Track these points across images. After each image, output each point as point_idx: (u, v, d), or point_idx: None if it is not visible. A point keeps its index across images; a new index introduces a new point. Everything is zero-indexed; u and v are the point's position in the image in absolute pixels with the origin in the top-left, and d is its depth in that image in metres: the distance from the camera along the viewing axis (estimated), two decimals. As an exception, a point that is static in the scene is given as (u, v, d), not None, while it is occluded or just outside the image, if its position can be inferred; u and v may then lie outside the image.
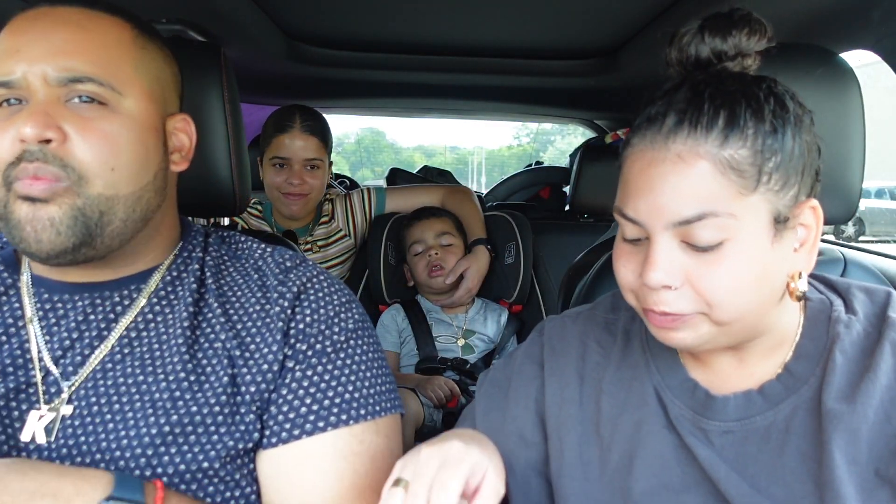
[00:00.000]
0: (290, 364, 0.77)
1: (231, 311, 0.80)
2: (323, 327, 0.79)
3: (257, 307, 0.80)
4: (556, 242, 2.16)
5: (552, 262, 2.08)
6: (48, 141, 0.69)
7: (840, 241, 1.80)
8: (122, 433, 0.71)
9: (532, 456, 0.78)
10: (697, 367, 0.73)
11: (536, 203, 3.09)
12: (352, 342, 0.81)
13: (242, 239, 0.90)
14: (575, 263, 1.42)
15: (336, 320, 0.81)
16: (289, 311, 0.79)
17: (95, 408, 0.73)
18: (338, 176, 3.64)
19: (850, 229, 12.31)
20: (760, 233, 0.62)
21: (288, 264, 0.84)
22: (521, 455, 0.78)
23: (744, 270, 0.62)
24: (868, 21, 1.17)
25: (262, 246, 0.88)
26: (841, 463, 0.62)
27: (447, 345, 1.91)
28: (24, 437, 0.71)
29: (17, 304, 0.77)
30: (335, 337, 0.79)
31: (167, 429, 0.71)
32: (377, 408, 0.79)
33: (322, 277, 0.84)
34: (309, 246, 1.95)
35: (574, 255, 1.47)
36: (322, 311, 0.80)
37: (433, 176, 3.52)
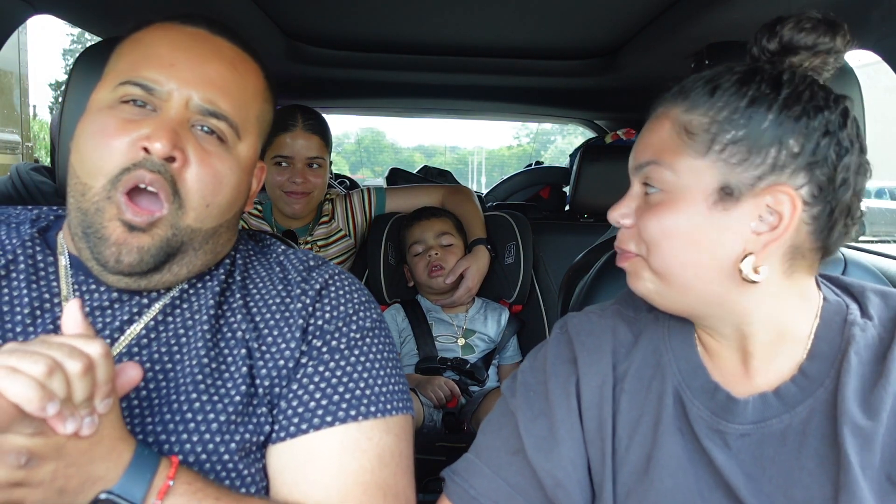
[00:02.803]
0: (304, 360, 0.78)
1: (251, 304, 0.81)
2: (340, 324, 0.80)
3: (277, 300, 0.81)
4: (556, 242, 2.15)
5: (552, 262, 2.08)
6: (171, 159, 0.72)
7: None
8: (148, 418, 0.72)
9: (586, 460, 0.76)
10: (714, 368, 0.73)
11: (536, 203, 3.09)
12: (367, 339, 0.81)
13: (267, 236, 0.94)
14: (575, 263, 1.41)
15: (354, 318, 0.82)
16: (310, 309, 0.80)
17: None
18: (338, 176, 3.63)
19: (849, 229, 12.29)
20: (698, 196, 0.66)
21: (311, 263, 0.87)
22: (579, 459, 0.75)
23: (672, 222, 0.67)
24: (868, 21, 1.17)
25: (284, 245, 0.91)
26: (856, 466, 0.62)
27: (447, 345, 1.91)
28: None
29: (54, 283, 0.78)
30: (351, 334, 0.80)
31: (189, 415, 0.72)
32: (388, 406, 0.79)
33: (343, 276, 0.86)
34: (309, 246, 1.95)
35: (574, 255, 1.46)
36: (342, 307, 0.82)
37: (433, 176, 3.51)
